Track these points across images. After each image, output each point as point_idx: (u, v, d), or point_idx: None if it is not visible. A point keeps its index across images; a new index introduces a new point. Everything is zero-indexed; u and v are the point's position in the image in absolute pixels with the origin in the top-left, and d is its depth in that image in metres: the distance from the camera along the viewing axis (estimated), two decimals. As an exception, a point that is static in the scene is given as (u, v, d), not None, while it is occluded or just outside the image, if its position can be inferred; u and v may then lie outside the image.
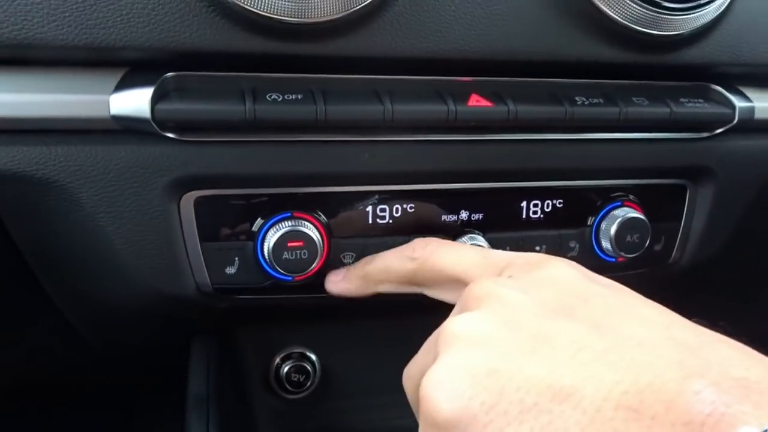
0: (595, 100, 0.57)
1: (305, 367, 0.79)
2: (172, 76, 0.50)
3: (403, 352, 0.76)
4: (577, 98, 0.57)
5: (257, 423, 0.78)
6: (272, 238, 0.54)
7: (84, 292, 0.59)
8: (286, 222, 0.55)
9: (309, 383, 0.79)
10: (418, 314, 0.75)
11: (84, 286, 0.58)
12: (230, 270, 0.56)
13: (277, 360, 0.79)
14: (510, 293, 0.36)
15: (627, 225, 0.61)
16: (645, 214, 0.62)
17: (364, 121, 0.53)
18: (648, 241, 0.63)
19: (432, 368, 0.33)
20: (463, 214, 0.60)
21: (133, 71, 0.50)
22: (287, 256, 0.54)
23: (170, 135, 0.50)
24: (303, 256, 0.54)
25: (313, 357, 0.79)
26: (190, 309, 0.58)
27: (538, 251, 0.62)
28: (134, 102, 0.48)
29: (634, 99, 0.58)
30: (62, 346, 0.70)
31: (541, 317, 0.34)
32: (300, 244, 0.54)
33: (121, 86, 0.49)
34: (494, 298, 0.36)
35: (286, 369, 0.78)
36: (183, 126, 0.50)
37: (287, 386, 0.78)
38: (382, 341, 0.78)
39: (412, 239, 0.58)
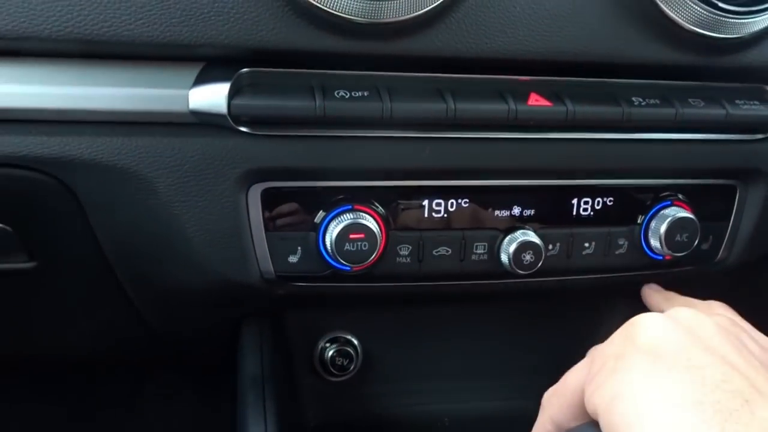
0: (652, 101, 0.58)
1: (348, 351, 0.81)
2: (247, 72, 0.52)
3: (440, 340, 0.80)
4: (634, 99, 0.58)
5: (303, 403, 0.81)
6: (335, 229, 0.55)
7: (153, 278, 0.61)
8: (347, 214, 0.56)
9: (352, 367, 0.81)
10: (457, 304, 0.79)
11: (154, 272, 0.61)
12: (293, 259, 0.58)
13: (322, 344, 0.81)
14: None
15: (677, 224, 0.62)
16: (694, 214, 0.63)
17: (428, 119, 0.54)
18: (697, 241, 0.63)
19: None
20: (516, 210, 0.61)
21: (208, 67, 0.52)
22: (349, 248, 0.55)
23: (243, 129, 0.52)
24: (363, 248, 0.56)
25: (356, 342, 0.81)
26: (252, 294, 0.60)
27: (587, 248, 0.63)
28: (212, 97, 0.50)
29: (690, 100, 0.59)
30: (124, 327, 0.73)
31: None
32: (361, 236, 0.55)
33: (198, 82, 0.51)
34: None
35: (330, 353, 0.80)
36: (256, 120, 0.52)
37: (331, 369, 0.81)
38: (422, 329, 0.81)
39: (465, 233, 0.60)
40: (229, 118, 0.50)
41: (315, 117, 0.51)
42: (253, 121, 0.52)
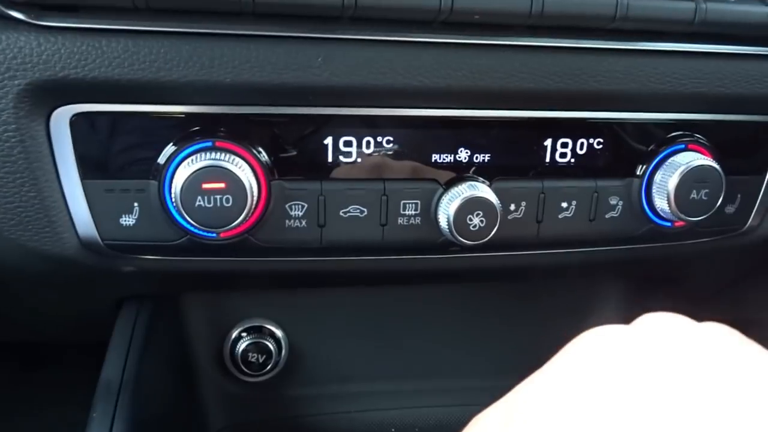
0: (660, -8, 0.44)
1: (266, 346, 0.69)
2: None
3: (385, 332, 0.68)
4: (634, -13, 0.44)
5: (205, 410, 0.67)
6: (182, 176, 0.40)
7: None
8: (204, 154, 0.41)
9: (271, 364, 0.69)
10: (403, 287, 0.65)
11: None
12: (127, 220, 0.43)
13: (235, 334, 0.68)
14: None
15: (693, 177, 0.49)
16: (717, 162, 0.49)
17: (317, 6, 0.39)
18: (720, 201, 0.49)
19: None
20: (463, 154, 0.47)
21: None
22: (202, 203, 0.41)
23: (18, 15, 0.37)
24: (225, 204, 0.41)
25: (279, 333, 0.69)
26: (84, 273, 0.45)
27: (565, 209, 0.50)
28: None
29: (716, -7, 0.45)
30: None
31: None
32: (221, 185, 0.41)
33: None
34: None
35: (243, 346, 0.68)
36: (40, 2, 0.36)
37: (243, 367, 0.68)
38: (363, 318, 0.70)
39: (388, 186, 0.47)
40: (-13, -7, 0.34)
41: (133, -2, 0.35)
42: (33, 2, 0.36)
